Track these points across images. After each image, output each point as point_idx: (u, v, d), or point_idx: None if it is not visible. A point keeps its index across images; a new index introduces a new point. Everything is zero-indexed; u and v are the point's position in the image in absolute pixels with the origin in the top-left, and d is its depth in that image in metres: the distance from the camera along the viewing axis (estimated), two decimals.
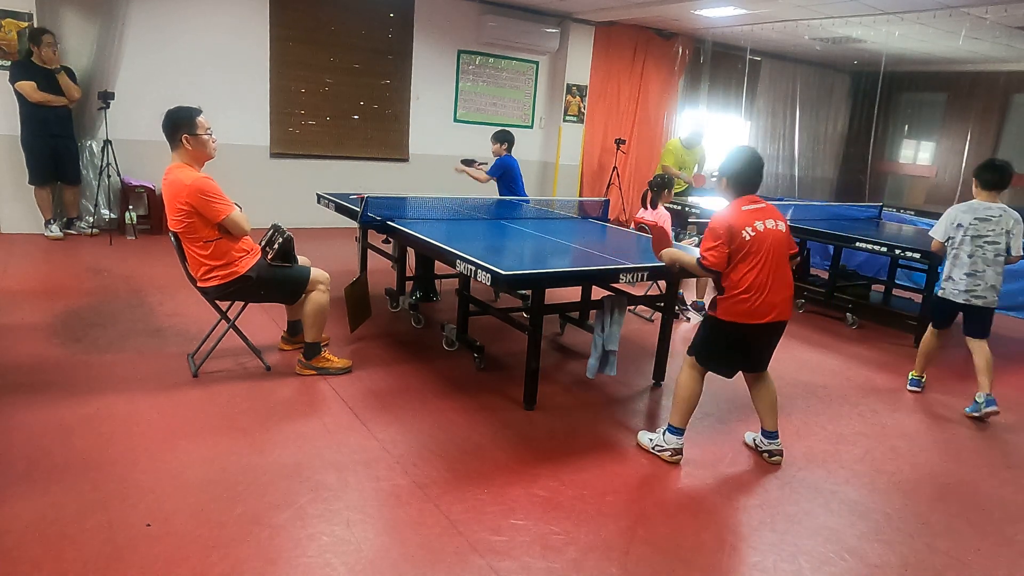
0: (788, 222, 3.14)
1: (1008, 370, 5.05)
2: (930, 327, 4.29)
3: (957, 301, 4.04)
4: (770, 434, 3.25)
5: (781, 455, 3.25)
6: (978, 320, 4.06)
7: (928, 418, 3.97)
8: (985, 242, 3.92)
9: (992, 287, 3.97)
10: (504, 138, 6.04)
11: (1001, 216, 3.92)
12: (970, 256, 3.96)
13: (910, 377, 4.40)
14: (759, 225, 2.95)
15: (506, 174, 6.00)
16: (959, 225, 3.98)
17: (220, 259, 3.54)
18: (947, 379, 4.67)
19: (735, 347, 3.11)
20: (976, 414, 3.96)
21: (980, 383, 4.00)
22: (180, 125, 3.44)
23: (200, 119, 3.48)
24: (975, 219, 3.94)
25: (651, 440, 3.25)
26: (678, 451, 3.17)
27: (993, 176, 3.95)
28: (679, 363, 4.48)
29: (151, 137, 5.16)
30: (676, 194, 6.89)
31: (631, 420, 3.66)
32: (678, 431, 3.17)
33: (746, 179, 3.07)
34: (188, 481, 2.67)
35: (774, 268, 2.96)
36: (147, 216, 7.15)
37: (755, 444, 3.35)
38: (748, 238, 2.93)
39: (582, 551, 2.44)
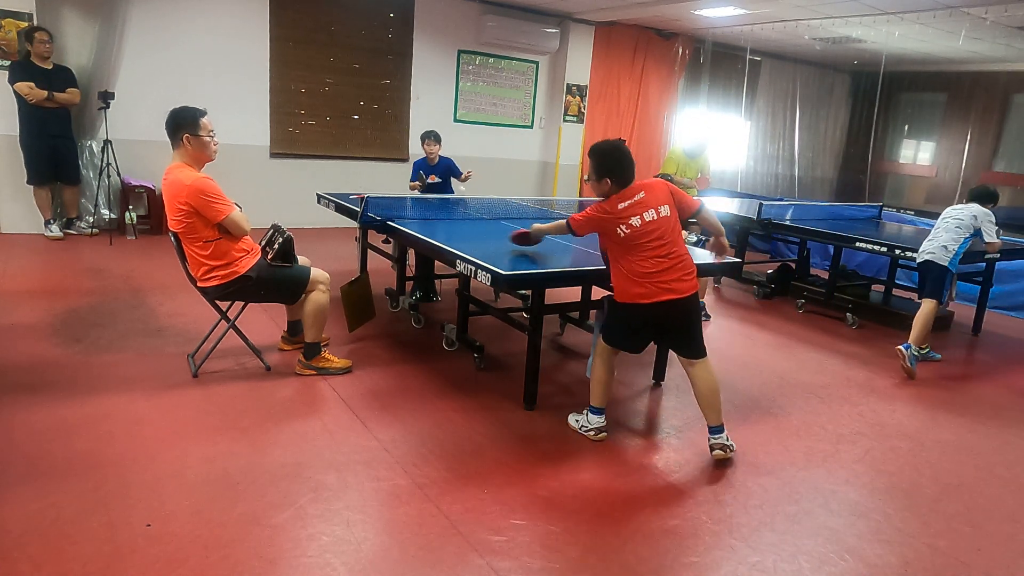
0: (671, 194, 3.18)
1: (1009, 370, 5.05)
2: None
3: (919, 261, 4.85)
4: (712, 428, 3.18)
5: (723, 451, 3.14)
6: (928, 278, 4.77)
7: (928, 418, 3.97)
8: (950, 218, 4.83)
9: (943, 247, 4.71)
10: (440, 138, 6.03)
11: (969, 207, 4.86)
12: (935, 228, 4.89)
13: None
14: (635, 221, 3.01)
15: (451, 172, 6.03)
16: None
17: (220, 259, 3.54)
18: (948, 379, 4.67)
19: (635, 326, 3.19)
20: (902, 349, 4.59)
21: (911, 334, 4.68)
22: (183, 124, 3.44)
23: (204, 120, 3.48)
24: (950, 208, 4.96)
25: (577, 421, 3.37)
26: (601, 430, 3.30)
27: (976, 191, 5.00)
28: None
29: (151, 137, 5.16)
30: None
31: (631, 420, 3.66)
32: (598, 411, 3.31)
33: (625, 175, 3.13)
34: (188, 481, 2.67)
35: (662, 254, 3.02)
36: (147, 216, 7.15)
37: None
38: (623, 235, 3.02)
39: (582, 551, 2.44)
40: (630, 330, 3.23)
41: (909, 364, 4.50)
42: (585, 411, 3.37)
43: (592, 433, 3.30)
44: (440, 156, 6.08)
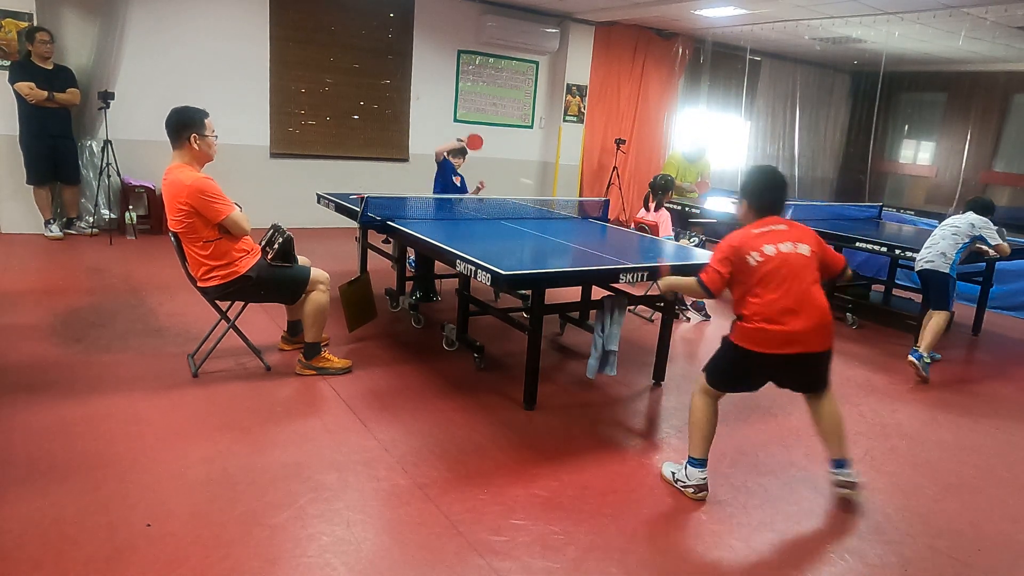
0: (818, 241, 2.83)
1: (1009, 370, 5.05)
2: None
3: (917, 269, 4.84)
4: (836, 462, 2.90)
5: (853, 488, 2.88)
6: (931, 287, 4.76)
7: (928, 418, 3.97)
8: (947, 227, 4.84)
9: (942, 254, 4.70)
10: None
11: (966, 216, 4.85)
12: (932, 236, 4.89)
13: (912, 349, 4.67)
14: (769, 249, 2.70)
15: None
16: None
17: (220, 259, 3.54)
18: (948, 379, 4.67)
19: (749, 373, 2.86)
20: (915, 360, 4.54)
21: (922, 342, 4.62)
22: (190, 124, 3.44)
23: (208, 120, 3.49)
24: (948, 219, 4.96)
25: (673, 473, 2.96)
26: (702, 487, 2.86)
27: (972, 202, 4.98)
28: (679, 363, 4.51)
29: (151, 137, 5.16)
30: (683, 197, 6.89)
31: (631, 420, 3.66)
32: (699, 463, 2.87)
33: (765, 201, 2.84)
34: (188, 481, 2.67)
35: (793, 296, 2.67)
36: (147, 216, 7.15)
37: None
38: (754, 263, 2.70)
39: (582, 551, 2.44)
40: (739, 375, 2.87)
41: (924, 373, 4.50)
42: (683, 463, 2.94)
43: (691, 491, 2.86)
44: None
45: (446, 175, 5.92)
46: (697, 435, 2.89)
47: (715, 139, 10.27)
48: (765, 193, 2.85)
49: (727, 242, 2.78)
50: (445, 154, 5.88)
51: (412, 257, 5.47)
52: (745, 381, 2.90)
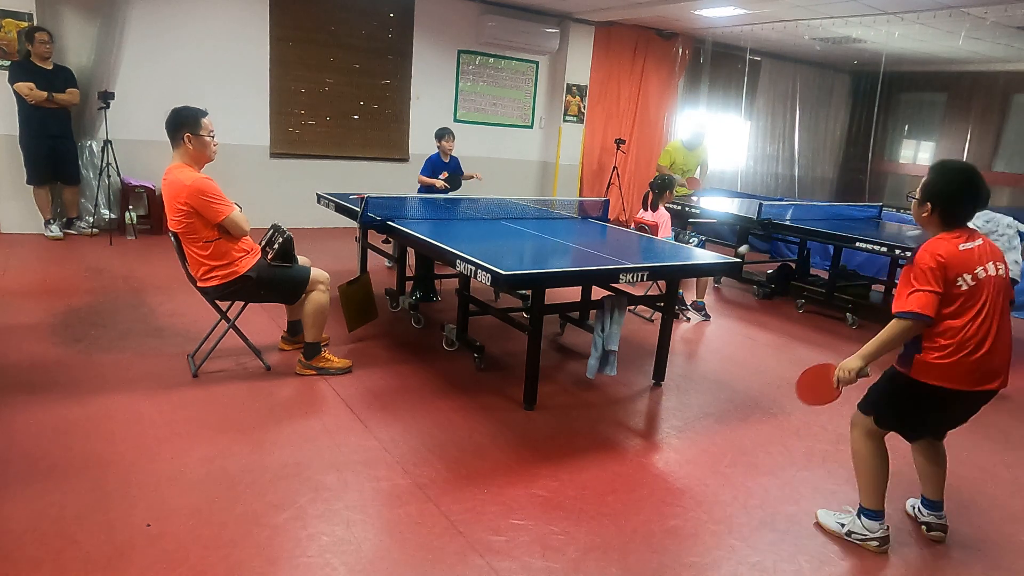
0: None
1: (1009, 370, 5.04)
2: None
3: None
4: (931, 503, 2.75)
5: (943, 531, 2.71)
6: None
7: None
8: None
9: None
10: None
11: (997, 216, 4.73)
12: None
13: None
14: (980, 272, 2.32)
15: (459, 171, 6.55)
16: None
17: (220, 259, 3.54)
18: None
19: (932, 415, 2.54)
20: None
21: None
22: (184, 123, 3.44)
23: (205, 120, 3.49)
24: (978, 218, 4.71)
25: (842, 525, 2.65)
26: (885, 539, 2.57)
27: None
28: (679, 363, 4.50)
29: (151, 137, 5.16)
30: (677, 196, 6.87)
31: (631, 420, 3.66)
32: (875, 514, 2.57)
33: (961, 210, 2.38)
34: (188, 481, 2.67)
35: (991, 324, 2.34)
36: (147, 216, 7.16)
37: (914, 513, 2.85)
38: (966, 288, 2.31)
39: (582, 551, 2.44)
40: (923, 417, 2.56)
41: None
42: (852, 513, 2.67)
43: (874, 544, 2.57)
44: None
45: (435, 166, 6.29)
46: (870, 484, 2.59)
47: (714, 136, 10.29)
48: (962, 201, 2.38)
49: (932, 255, 2.31)
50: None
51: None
52: (928, 423, 2.59)
